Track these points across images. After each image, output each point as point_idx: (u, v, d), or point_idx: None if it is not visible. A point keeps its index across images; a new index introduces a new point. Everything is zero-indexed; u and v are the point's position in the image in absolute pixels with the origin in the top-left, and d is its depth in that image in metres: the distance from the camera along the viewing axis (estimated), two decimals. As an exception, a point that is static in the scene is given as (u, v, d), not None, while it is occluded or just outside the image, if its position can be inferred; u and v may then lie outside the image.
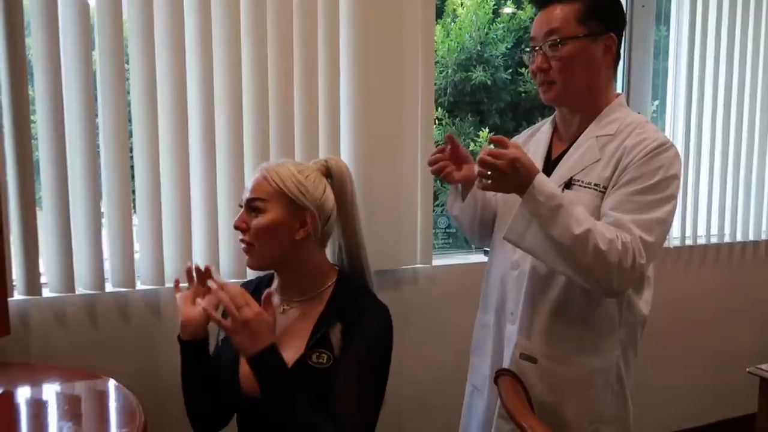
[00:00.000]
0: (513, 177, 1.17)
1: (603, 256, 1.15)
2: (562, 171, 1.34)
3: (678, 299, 2.53)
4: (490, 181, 1.19)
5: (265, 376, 1.11)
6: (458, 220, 1.56)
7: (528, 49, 1.35)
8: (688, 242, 2.55)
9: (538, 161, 1.40)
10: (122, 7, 1.59)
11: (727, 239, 2.65)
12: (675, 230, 2.52)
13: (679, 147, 2.50)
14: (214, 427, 1.31)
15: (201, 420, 1.29)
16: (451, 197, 1.55)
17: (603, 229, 1.17)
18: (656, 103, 2.64)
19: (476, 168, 1.20)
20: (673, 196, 1.25)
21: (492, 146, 1.19)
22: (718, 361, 2.69)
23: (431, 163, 1.43)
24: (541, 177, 1.19)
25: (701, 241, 2.61)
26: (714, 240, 2.64)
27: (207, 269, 1.23)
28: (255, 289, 1.33)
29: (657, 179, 1.22)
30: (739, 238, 2.67)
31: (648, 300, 1.35)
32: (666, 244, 2.49)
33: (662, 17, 2.57)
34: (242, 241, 1.21)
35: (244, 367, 1.22)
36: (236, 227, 1.21)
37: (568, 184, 1.31)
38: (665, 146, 1.24)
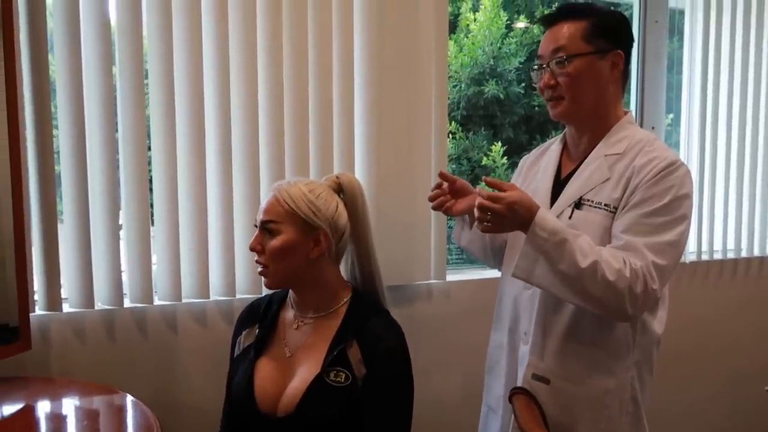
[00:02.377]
0: (512, 218, 1.18)
1: (612, 286, 1.16)
2: (571, 191, 1.33)
3: (694, 315, 2.51)
4: (489, 224, 1.20)
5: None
6: (468, 250, 1.56)
7: (536, 67, 1.35)
8: (705, 257, 2.53)
9: (548, 181, 1.40)
10: (142, 25, 1.62)
11: (744, 254, 2.63)
12: (691, 245, 2.50)
13: (694, 160, 2.50)
14: None
15: None
16: (457, 229, 1.55)
17: (610, 259, 1.17)
18: (670, 116, 2.63)
19: (476, 212, 1.21)
20: (686, 217, 1.24)
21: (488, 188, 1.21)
22: (736, 378, 2.66)
23: (431, 200, 1.44)
24: (542, 213, 1.19)
25: (717, 256, 2.58)
26: (731, 255, 2.61)
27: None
28: (268, 304, 1.33)
29: (668, 200, 1.21)
30: (756, 252, 2.64)
31: (662, 319, 1.35)
32: (682, 259, 2.47)
33: (675, 30, 2.57)
34: (258, 262, 1.22)
35: (259, 385, 1.22)
36: (252, 249, 1.22)
37: (578, 204, 1.31)
38: (675, 165, 1.24)
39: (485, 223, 1.20)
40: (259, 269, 1.22)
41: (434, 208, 1.44)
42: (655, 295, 1.20)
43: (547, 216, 1.21)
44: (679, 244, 1.24)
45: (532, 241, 1.19)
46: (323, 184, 1.26)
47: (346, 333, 1.21)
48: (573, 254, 1.17)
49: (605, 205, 1.28)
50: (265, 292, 1.73)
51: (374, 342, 1.19)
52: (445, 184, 1.44)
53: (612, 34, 1.30)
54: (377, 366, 1.18)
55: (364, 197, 1.28)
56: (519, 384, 1.36)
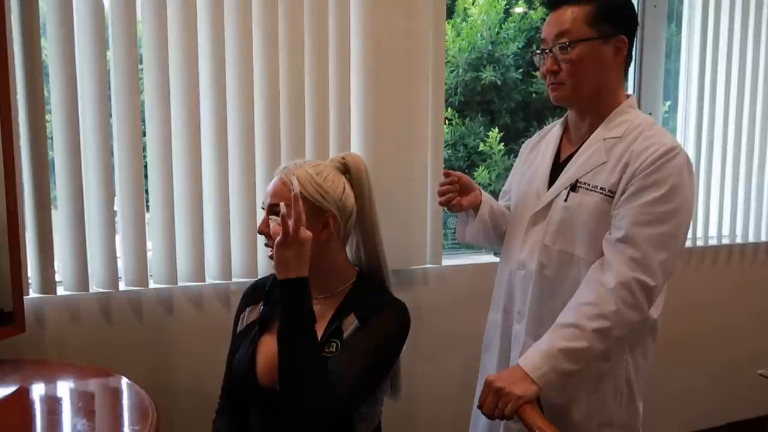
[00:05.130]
0: (512, 391, 1.16)
1: (616, 324, 1.18)
2: (569, 173, 1.33)
3: (689, 301, 2.52)
4: (507, 407, 1.18)
5: (296, 304, 1.12)
6: (473, 242, 1.57)
7: (538, 51, 1.35)
8: (700, 243, 2.54)
9: (547, 163, 1.40)
10: (136, 8, 1.61)
11: (738, 240, 2.64)
12: (686, 231, 2.51)
13: (691, 147, 2.49)
14: None
15: None
16: (461, 225, 1.54)
17: (592, 310, 1.18)
18: (668, 103, 2.62)
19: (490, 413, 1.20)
20: (684, 205, 1.23)
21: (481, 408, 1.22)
22: (730, 363, 2.68)
23: (441, 194, 1.43)
24: (525, 363, 1.19)
25: (713, 242, 2.59)
26: (726, 241, 2.62)
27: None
28: (273, 282, 1.33)
29: (666, 189, 1.21)
30: (751, 239, 2.65)
31: (659, 304, 1.34)
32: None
33: (674, 17, 2.55)
34: (267, 245, 1.22)
35: (261, 358, 1.23)
36: (260, 232, 1.21)
37: (574, 187, 1.31)
38: (674, 152, 1.23)
39: (504, 412, 1.18)
40: (269, 252, 1.22)
41: (441, 204, 1.44)
42: (656, 290, 1.21)
43: (528, 358, 1.20)
44: (679, 235, 1.23)
45: (546, 385, 1.18)
46: (329, 165, 1.25)
47: (345, 309, 1.22)
48: (573, 350, 1.17)
49: (601, 188, 1.27)
50: (261, 275, 1.75)
51: (374, 311, 1.20)
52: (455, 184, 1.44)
53: (616, 19, 1.29)
54: (370, 322, 1.19)
55: (370, 178, 1.28)
56: (513, 363, 1.37)
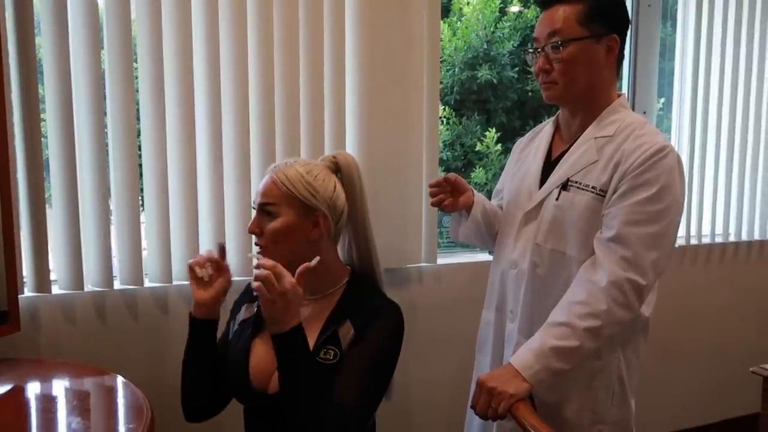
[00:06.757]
0: (504, 389, 1.17)
1: (606, 324, 1.19)
2: (560, 172, 1.34)
3: (682, 299, 2.53)
4: (500, 406, 1.19)
5: (291, 355, 1.10)
6: (467, 242, 1.58)
7: (531, 50, 1.35)
8: (693, 241, 2.55)
9: (538, 162, 1.41)
10: (130, 7, 1.61)
11: (732, 238, 2.65)
12: (680, 229, 2.50)
13: (685, 145, 2.50)
14: (205, 413, 1.32)
15: (193, 402, 1.29)
16: (454, 225, 1.56)
17: (583, 309, 1.19)
18: (662, 100, 2.63)
19: (481, 412, 1.21)
20: (674, 205, 1.24)
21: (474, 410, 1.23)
22: (721, 360, 2.69)
23: (431, 196, 1.45)
24: (517, 362, 1.20)
25: (706, 240, 2.60)
26: (719, 239, 2.63)
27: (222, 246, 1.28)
28: None
29: (657, 189, 1.21)
30: (744, 237, 2.66)
31: (650, 302, 1.35)
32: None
33: (668, 16, 2.56)
34: (257, 244, 1.22)
35: (254, 361, 1.24)
36: (251, 232, 1.21)
37: (565, 186, 1.31)
38: (664, 151, 1.23)
39: (497, 411, 1.19)
40: (259, 250, 1.22)
41: (433, 205, 1.45)
42: (647, 289, 1.22)
43: (519, 357, 1.21)
44: (670, 234, 1.24)
45: (537, 378, 1.19)
46: (320, 164, 1.25)
47: (340, 314, 1.21)
48: (564, 346, 1.18)
49: (592, 187, 1.28)
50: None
51: (370, 319, 1.19)
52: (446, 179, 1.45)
53: (608, 18, 1.29)
54: (367, 335, 1.18)
55: (361, 176, 1.27)
56: (504, 362, 1.38)
